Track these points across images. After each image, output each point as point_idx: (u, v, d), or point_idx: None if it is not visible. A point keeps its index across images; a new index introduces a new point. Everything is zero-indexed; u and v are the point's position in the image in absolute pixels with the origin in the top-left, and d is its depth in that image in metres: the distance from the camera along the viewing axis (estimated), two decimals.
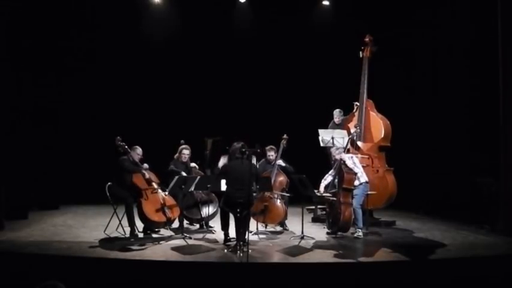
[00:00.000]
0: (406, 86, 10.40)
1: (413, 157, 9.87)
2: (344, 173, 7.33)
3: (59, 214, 9.17)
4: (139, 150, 7.40)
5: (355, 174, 7.38)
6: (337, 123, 8.98)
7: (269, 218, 7.64)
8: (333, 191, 7.46)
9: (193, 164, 8.03)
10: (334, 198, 7.40)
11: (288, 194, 7.71)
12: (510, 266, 6.09)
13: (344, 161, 7.43)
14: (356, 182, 7.38)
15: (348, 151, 7.91)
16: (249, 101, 10.84)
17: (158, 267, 5.85)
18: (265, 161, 8.04)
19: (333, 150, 7.75)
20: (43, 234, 7.32)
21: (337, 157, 7.53)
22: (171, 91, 10.84)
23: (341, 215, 7.24)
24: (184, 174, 7.48)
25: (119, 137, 7.31)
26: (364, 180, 7.44)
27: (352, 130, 8.23)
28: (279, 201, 7.66)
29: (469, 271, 5.94)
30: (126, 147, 7.30)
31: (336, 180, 7.48)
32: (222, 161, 7.86)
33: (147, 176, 7.35)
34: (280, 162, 7.92)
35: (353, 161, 7.47)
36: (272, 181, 7.51)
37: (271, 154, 7.93)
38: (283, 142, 7.97)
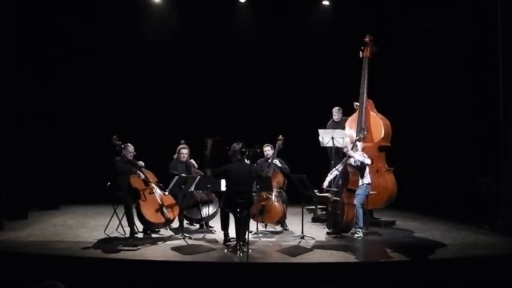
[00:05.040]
0: (406, 86, 10.39)
1: (413, 157, 9.86)
2: (349, 174, 7.33)
3: (59, 214, 9.17)
4: (130, 147, 7.34)
5: (362, 174, 7.37)
6: (336, 120, 8.98)
7: (268, 217, 7.64)
8: (335, 190, 7.46)
9: (192, 161, 8.02)
10: (337, 198, 7.40)
11: (280, 192, 7.71)
12: (510, 266, 6.08)
13: (351, 157, 7.40)
14: (359, 182, 7.39)
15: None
16: (249, 101, 10.84)
17: (158, 267, 5.85)
18: (262, 159, 8.05)
19: (347, 142, 7.73)
20: (43, 234, 7.32)
21: (347, 151, 7.52)
22: (171, 91, 10.83)
23: (344, 215, 7.25)
24: (182, 175, 7.47)
25: (115, 136, 7.32)
26: (367, 182, 7.44)
27: (354, 134, 8.21)
28: (276, 200, 7.66)
29: (469, 271, 5.94)
30: (123, 146, 7.30)
31: (340, 180, 7.47)
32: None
33: (142, 176, 7.33)
34: (277, 162, 7.92)
35: (363, 157, 7.47)
36: None
37: (267, 149, 7.94)
38: (279, 143, 7.97)
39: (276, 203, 7.66)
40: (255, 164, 7.58)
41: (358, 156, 7.41)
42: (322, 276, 5.72)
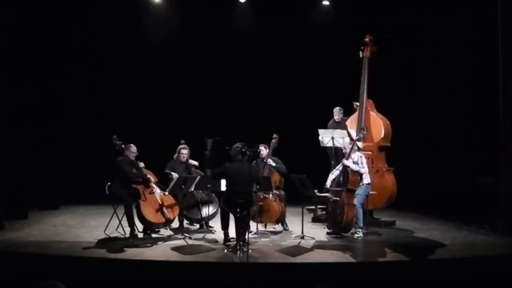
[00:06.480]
0: (406, 86, 10.39)
1: (413, 157, 9.86)
2: (349, 174, 7.33)
3: (59, 214, 9.17)
4: (133, 148, 7.32)
5: (361, 175, 7.38)
6: (337, 121, 8.98)
7: (266, 217, 7.64)
8: (338, 189, 7.45)
9: (194, 162, 8.03)
10: (337, 198, 7.39)
11: (278, 192, 7.72)
12: (510, 266, 6.08)
13: (348, 166, 7.41)
14: (359, 182, 7.39)
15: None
16: (249, 101, 10.84)
17: (158, 267, 5.85)
18: (259, 159, 8.03)
19: (346, 144, 7.72)
20: (43, 234, 7.32)
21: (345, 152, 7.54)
22: (171, 91, 10.83)
23: (344, 215, 7.25)
24: (175, 175, 7.45)
25: (115, 136, 7.30)
26: (367, 182, 7.44)
27: (355, 134, 8.21)
28: (274, 199, 7.65)
29: (469, 271, 5.94)
30: (123, 146, 7.29)
31: (341, 177, 7.48)
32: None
33: (152, 179, 7.34)
34: (271, 162, 7.89)
35: (361, 161, 7.46)
36: None
37: (261, 149, 7.94)
38: (273, 142, 7.96)
39: (274, 203, 7.66)
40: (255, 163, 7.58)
41: (353, 166, 7.38)
42: (322, 276, 5.72)
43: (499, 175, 8.07)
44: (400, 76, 10.39)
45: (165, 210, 7.23)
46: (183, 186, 7.08)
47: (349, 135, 8.36)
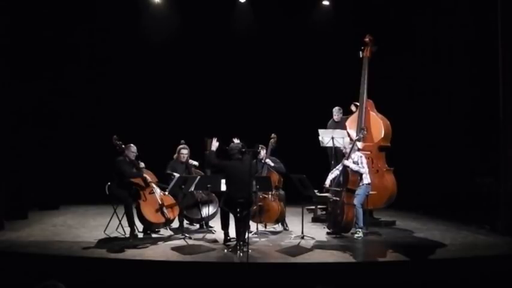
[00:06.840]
0: (406, 86, 10.39)
1: (413, 157, 9.87)
2: (349, 174, 7.33)
3: (59, 214, 9.17)
4: (133, 148, 7.32)
5: (361, 175, 7.39)
6: (336, 120, 8.99)
7: (266, 217, 7.65)
8: (338, 189, 7.46)
9: (194, 162, 8.03)
10: (337, 198, 7.40)
11: (277, 192, 7.71)
12: (510, 266, 6.08)
13: (348, 166, 7.41)
14: (359, 182, 7.38)
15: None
16: (249, 101, 10.84)
17: (158, 267, 5.85)
18: (257, 160, 8.02)
19: (346, 144, 7.72)
20: (43, 234, 7.32)
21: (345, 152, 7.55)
22: (171, 91, 10.84)
23: (344, 215, 7.25)
24: (177, 175, 7.46)
25: (115, 136, 7.29)
26: (367, 182, 7.44)
27: (354, 134, 8.21)
28: (273, 199, 7.65)
29: (469, 271, 5.94)
30: (123, 146, 7.29)
31: (341, 177, 7.48)
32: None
33: (149, 179, 7.33)
34: (269, 162, 7.88)
35: (361, 160, 7.46)
36: None
37: (258, 150, 7.93)
38: (272, 141, 7.95)
39: (273, 203, 7.66)
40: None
41: (353, 166, 7.37)
42: (322, 276, 5.72)
43: (499, 175, 8.07)
44: (400, 76, 10.38)
45: (165, 210, 7.23)
46: (183, 186, 7.07)
47: (349, 135, 8.36)
